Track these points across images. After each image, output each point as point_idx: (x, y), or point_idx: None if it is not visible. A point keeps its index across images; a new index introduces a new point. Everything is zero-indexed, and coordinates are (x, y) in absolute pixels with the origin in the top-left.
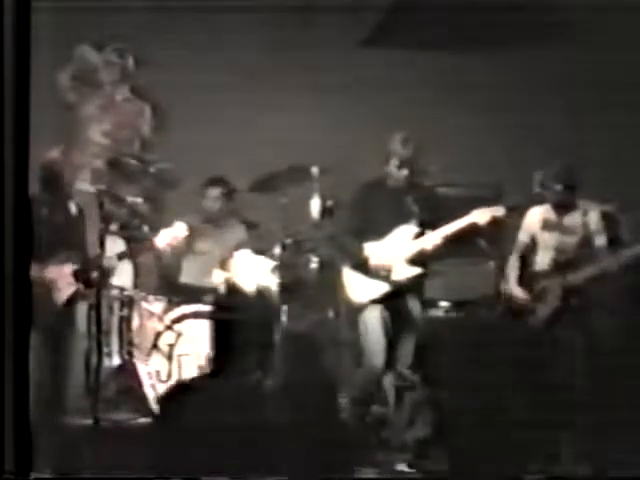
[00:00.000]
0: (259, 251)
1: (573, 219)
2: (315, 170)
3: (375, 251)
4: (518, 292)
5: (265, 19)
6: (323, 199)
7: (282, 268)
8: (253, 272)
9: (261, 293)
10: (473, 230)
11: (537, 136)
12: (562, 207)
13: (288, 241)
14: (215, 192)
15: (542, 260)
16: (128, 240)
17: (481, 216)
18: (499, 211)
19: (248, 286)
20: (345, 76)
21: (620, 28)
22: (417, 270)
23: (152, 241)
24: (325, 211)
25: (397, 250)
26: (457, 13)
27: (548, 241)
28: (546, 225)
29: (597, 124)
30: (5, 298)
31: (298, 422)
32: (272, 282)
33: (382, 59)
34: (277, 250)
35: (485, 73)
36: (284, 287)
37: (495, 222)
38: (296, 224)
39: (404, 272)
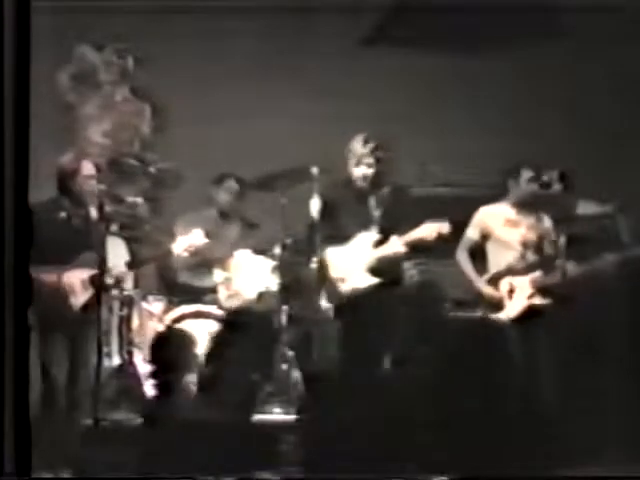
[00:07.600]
0: (259, 251)
1: (534, 219)
2: (315, 170)
3: (335, 259)
4: (488, 290)
5: (265, 20)
6: (323, 199)
7: (282, 268)
8: (253, 272)
9: (261, 293)
10: (424, 242)
11: (537, 136)
12: (536, 205)
13: (288, 241)
14: (234, 186)
15: (504, 258)
16: (128, 241)
17: (428, 231)
18: (444, 228)
19: (248, 286)
20: (345, 76)
21: (620, 29)
22: (375, 280)
23: (169, 249)
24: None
25: (357, 258)
26: (457, 13)
27: (510, 237)
28: (508, 222)
29: (597, 124)
30: (5, 298)
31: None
32: (272, 282)
33: (382, 59)
34: (277, 250)
35: (485, 73)
36: (284, 287)
37: (440, 237)
38: (296, 224)
39: (362, 282)
